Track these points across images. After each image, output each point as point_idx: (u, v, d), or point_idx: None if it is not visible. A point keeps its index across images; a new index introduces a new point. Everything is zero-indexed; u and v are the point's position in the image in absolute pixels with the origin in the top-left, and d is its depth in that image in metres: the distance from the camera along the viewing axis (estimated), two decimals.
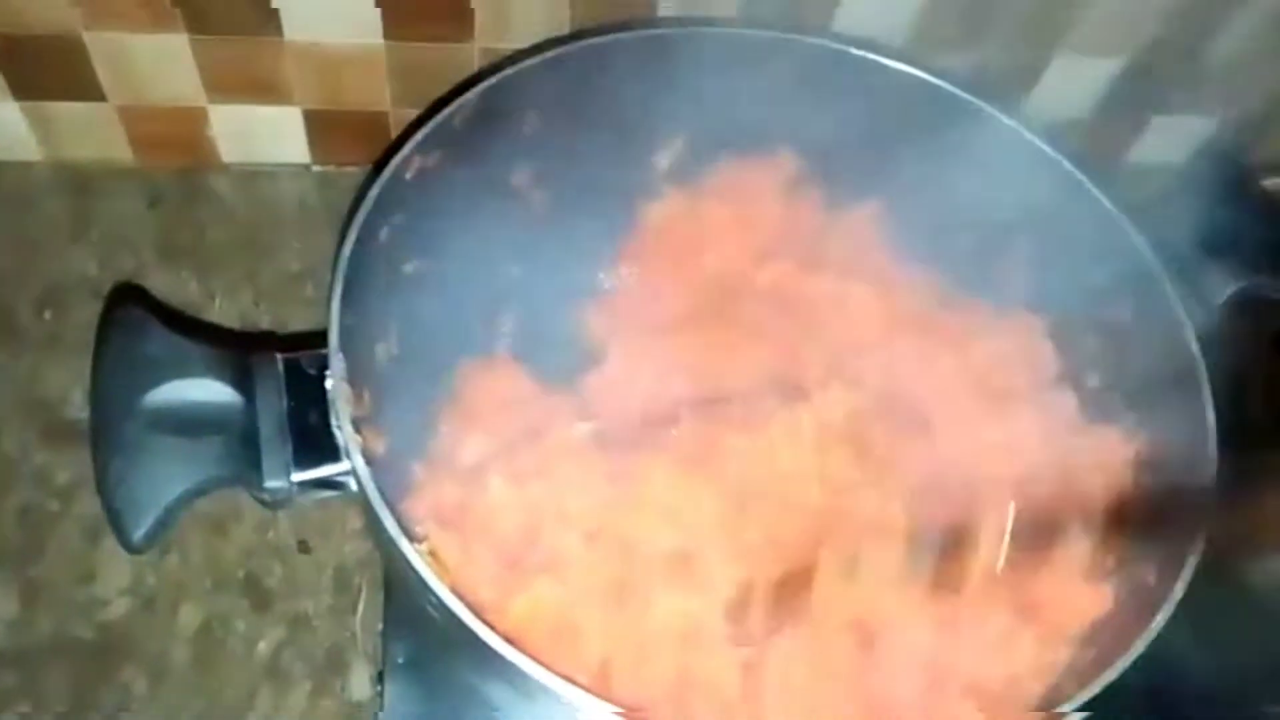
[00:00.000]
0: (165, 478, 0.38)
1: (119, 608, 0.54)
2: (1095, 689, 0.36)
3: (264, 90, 0.63)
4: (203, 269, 0.64)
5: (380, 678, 0.50)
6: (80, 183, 0.66)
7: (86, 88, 0.61)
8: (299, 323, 0.63)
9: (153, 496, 0.38)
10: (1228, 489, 0.42)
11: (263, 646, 0.54)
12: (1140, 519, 0.46)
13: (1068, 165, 0.52)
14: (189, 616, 0.54)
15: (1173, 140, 0.72)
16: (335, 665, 0.54)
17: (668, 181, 0.57)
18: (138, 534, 0.37)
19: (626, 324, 0.56)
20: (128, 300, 0.60)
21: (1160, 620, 0.38)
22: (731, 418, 0.51)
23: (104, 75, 0.61)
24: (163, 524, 0.38)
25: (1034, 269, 0.54)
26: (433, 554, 0.39)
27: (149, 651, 0.53)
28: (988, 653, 0.46)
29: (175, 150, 0.66)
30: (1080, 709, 0.36)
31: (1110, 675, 0.37)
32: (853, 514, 0.49)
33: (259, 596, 0.55)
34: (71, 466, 0.57)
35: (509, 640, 0.36)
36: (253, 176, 0.67)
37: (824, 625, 0.47)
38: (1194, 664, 0.41)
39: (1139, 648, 0.37)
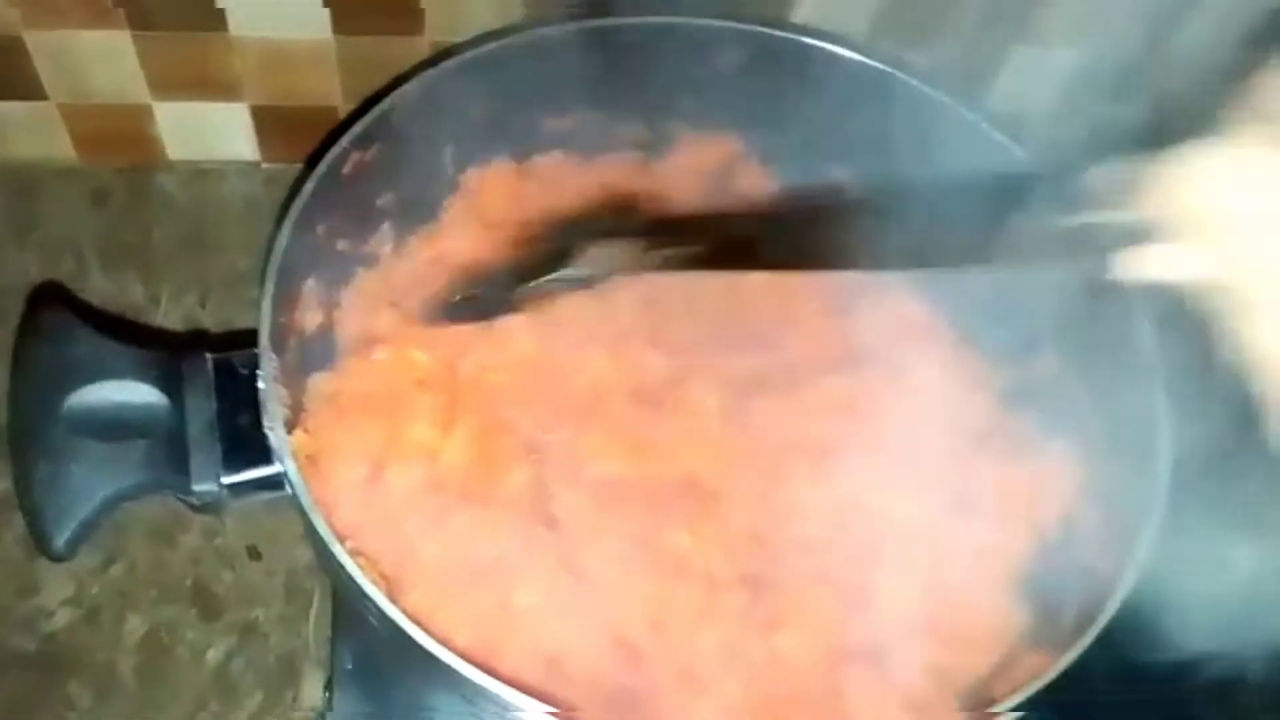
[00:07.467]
0: (88, 483, 0.37)
1: (62, 619, 0.53)
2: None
3: (210, 87, 0.61)
4: (148, 270, 0.62)
5: (329, 684, 0.49)
6: (21, 183, 0.64)
7: (27, 86, 0.60)
8: (245, 323, 0.61)
9: (75, 503, 0.37)
10: None
11: (212, 656, 0.53)
12: None
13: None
14: (135, 626, 0.53)
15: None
16: (287, 674, 0.53)
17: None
18: (59, 541, 0.36)
19: None
20: (50, 300, 0.58)
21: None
22: None
23: (45, 73, 0.59)
24: (86, 530, 0.37)
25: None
26: (368, 557, 0.38)
27: (95, 664, 0.52)
28: None
29: (120, 148, 0.64)
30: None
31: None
32: None
33: (208, 605, 0.54)
34: (8, 476, 0.55)
35: (445, 643, 0.35)
36: (200, 174, 0.66)
37: None
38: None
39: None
